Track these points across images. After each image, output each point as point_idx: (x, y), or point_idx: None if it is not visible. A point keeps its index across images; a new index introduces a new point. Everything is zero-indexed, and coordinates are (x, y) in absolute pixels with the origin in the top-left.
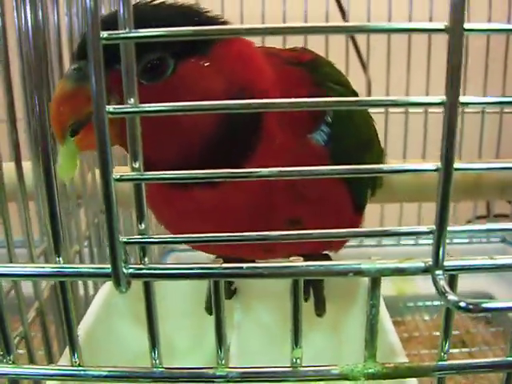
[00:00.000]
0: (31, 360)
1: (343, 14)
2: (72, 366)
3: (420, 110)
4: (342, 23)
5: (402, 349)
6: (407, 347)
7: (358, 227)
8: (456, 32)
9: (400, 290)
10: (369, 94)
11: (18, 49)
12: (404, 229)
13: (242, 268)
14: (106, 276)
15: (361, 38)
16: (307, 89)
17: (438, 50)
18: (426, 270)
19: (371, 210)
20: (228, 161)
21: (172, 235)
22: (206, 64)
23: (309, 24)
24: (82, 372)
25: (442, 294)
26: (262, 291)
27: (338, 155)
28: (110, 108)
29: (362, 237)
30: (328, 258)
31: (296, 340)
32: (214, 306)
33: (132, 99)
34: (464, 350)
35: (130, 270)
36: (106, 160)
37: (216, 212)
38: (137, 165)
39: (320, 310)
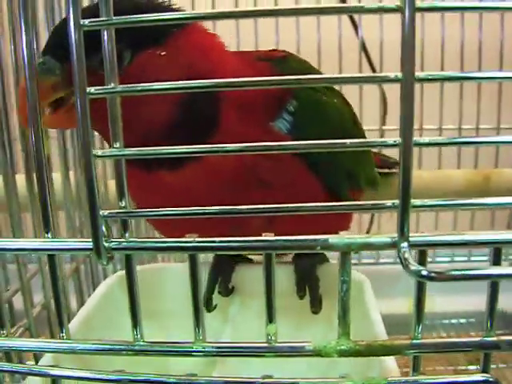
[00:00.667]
0: None
1: (356, 31)
2: (60, 339)
3: (434, 126)
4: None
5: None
6: (422, 364)
7: (343, 220)
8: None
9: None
10: (385, 107)
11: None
12: (368, 203)
13: (214, 242)
14: (88, 250)
15: (374, 51)
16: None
17: (451, 64)
18: (392, 245)
19: None
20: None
21: (149, 209)
22: (162, 54)
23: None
24: (69, 345)
25: (405, 266)
26: (260, 290)
27: None
28: (91, 89)
29: (329, 211)
30: (324, 257)
31: (270, 316)
32: (190, 281)
33: (112, 84)
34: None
35: (112, 244)
36: (87, 137)
37: (181, 195)
38: (117, 145)
39: (316, 307)
